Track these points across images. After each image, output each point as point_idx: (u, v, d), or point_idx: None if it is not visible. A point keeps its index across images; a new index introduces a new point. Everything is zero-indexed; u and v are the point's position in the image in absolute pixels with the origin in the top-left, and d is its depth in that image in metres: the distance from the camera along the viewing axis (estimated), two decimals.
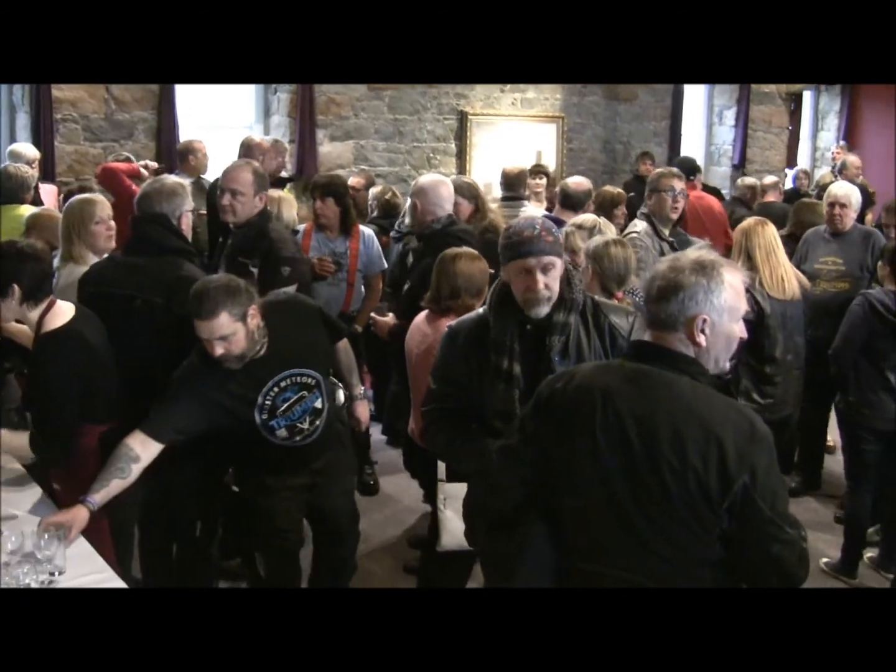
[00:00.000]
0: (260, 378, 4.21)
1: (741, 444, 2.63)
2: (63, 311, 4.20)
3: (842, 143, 14.81)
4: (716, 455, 2.61)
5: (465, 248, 4.90)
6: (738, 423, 2.68)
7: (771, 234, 5.76)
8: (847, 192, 6.83)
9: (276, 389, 4.23)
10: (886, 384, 5.75)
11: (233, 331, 3.98)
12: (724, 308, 2.76)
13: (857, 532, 5.99)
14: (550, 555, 2.95)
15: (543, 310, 3.63)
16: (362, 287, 6.82)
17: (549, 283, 3.59)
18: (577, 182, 7.08)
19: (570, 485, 2.85)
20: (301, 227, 6.85)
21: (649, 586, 2.68)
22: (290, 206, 6.79)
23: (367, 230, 6.85)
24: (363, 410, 5.04)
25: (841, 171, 11.28)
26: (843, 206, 6.79)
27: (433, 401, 3.87)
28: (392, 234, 7.36)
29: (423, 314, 4.84)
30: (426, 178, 6.06)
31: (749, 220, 5.99)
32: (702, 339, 2.77)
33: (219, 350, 4.00)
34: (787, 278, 5.72)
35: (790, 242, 7.09)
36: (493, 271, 4.68)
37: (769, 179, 10.20)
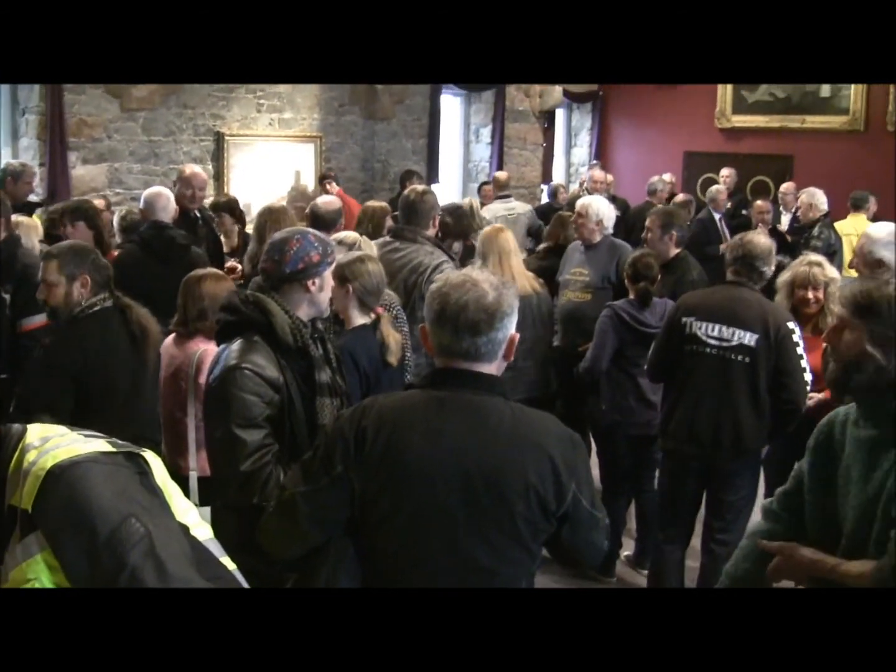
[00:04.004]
0: None
1: (567, 455, 2.72)
2: None
3: (594, 162, 15.21)
4: (550, 471, 2.67)
5: (210, 269, 4.88)
6: (560, 435, 2.77)
7: (503, 241, 6.09)
8: (584, 204, 7.04)
9: None
10: (638, 391, 5.99)
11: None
12: (516, 318, 2.82)
13: (611, 533, 6.19)
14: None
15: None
16: None
17: None
18: (327, 202, 6.97)
19: (395, 520, 2.71)
20: None
21: None
22: (33, 232, 6.55)
23: None
24: None
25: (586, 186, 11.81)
26: (581, 216, 7.00)
27: (255, 452, 3.35)
28: None
29: (170, 338, 4.78)
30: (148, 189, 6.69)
31: (487, 228, 6.38)
32: (512, 354, 2.82)
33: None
34: (515, 277, 5.91)
35: (550, 255, 7.34)
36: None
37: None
